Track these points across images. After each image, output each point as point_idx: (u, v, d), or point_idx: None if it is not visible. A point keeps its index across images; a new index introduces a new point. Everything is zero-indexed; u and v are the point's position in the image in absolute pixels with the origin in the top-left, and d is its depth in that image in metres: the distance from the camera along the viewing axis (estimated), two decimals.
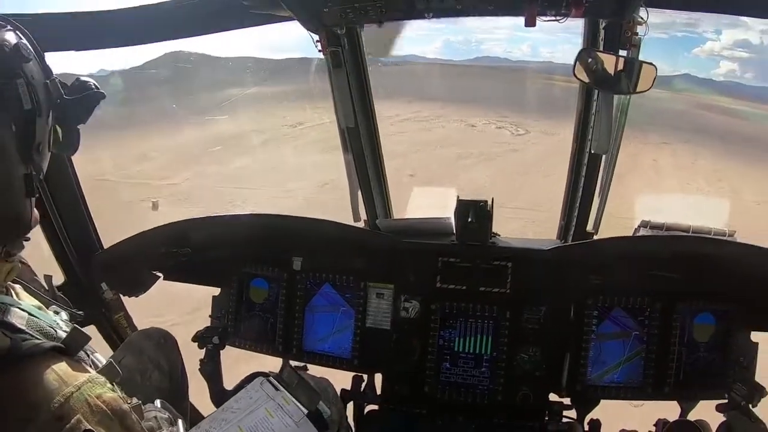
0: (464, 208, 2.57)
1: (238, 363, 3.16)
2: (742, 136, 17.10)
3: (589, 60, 2.15)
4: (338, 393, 2.77)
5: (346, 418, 2.78)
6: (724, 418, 2.37)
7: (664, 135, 16.47)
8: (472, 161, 13.99)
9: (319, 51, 2.51)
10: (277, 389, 1.95)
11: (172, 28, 2.43)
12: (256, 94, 16.24)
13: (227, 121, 15.41)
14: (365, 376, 2.86)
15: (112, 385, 1.32)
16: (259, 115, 16.39)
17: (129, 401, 1.38)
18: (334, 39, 2.46)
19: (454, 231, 2.68)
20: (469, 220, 2.57)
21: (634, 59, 2.15)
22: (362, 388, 2.85)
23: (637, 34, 2.15)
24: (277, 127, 16.17)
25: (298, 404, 1.92)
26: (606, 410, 2.69)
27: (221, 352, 2.89)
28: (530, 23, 2.01)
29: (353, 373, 2.87)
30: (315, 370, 2.84)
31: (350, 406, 2.85)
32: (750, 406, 2.22)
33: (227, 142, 14.03)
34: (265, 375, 2.06)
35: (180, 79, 16.48)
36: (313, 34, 2.46)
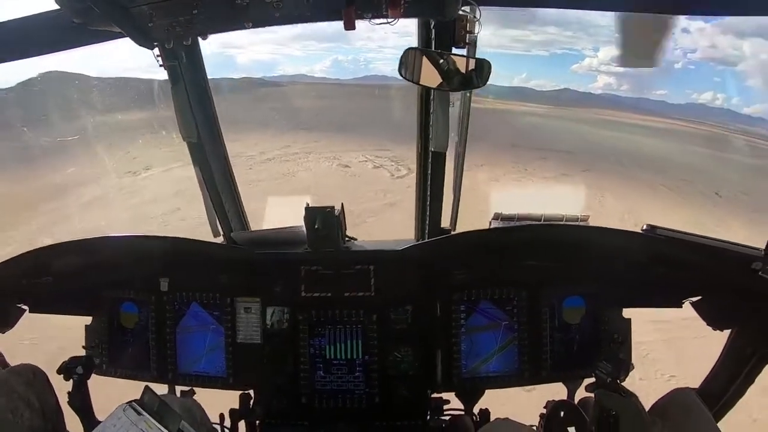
0: (312, 215, 2.91)
1: None
2: (632, 156, 18.75)
3: (418, 59, 2.46)
4: (225, 413, 3.07)
5: None
6: None
7: (561, 163, 17.48)
8: None
9: (160, 66, 2.75)
10: (139, 414, 2.16)
11: (8, 48, 2.54)
12: (117, 122, 15.27)
13: (64, 163, 14.23)
14: (252, 392, 3.12)
15: None
16: (107, 151, 15.29)
17: None
18: (171, 53, 2.72)
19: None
20: (316, 226, 2.91)
21: (465, 56, 2.48)
22: (251, 405, 3.11)
23: (471, 32, 2.49)
24: (119, 173, 14.90)
25: (161, 427, 2.16)
26: (498, 398, 3.11)
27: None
28: (349, 26, 2.27)
29: (240, 392, 3.13)
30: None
31: (242, 425, 3.13)
32: (618, 381, 2.48)
33: (38, 207, 12.35)
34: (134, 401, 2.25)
35: (38, 103, 15.48)
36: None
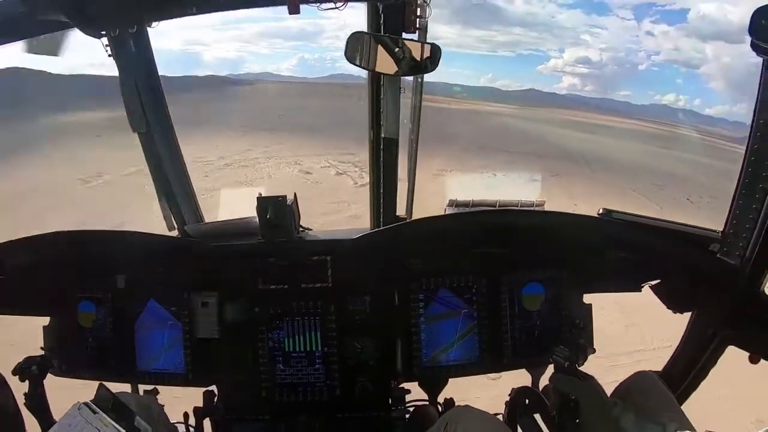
0: (263, 205, 2.94)
1: None
2: (600, 159, 19.00)
3: (367, 44, 2.52)
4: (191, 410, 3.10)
5: None
6: None
7: (531, 166, 17.60)
8: None
9: (109, 56, 2.79)
10: (94, 412, 2.19)
11: None
12: (76, 122, 14.82)
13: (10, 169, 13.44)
14: (215, 389, 3.16)
15: None
16: (59, 155, 14.53)
17: None
18: (119, 42, 2.76)
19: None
20: (268, 216, 2.93)
21: (414, 41, 2.56)
22: (215, 403, 3.14)
23: (421, 16, 2.59)
24: (69, 181, 14.12)
25: (116, 425, 2.19)
26: (462, 386, 3.18)
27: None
28: (293, 10, 2.36)
29: (204, 390, 3.16)
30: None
31: (207, 422, 3.16)
32: (576, 365, 2.58)
33: None
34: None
35: None
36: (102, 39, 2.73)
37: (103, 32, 2.63)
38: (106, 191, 13.58)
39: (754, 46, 2.31)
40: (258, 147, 18.51)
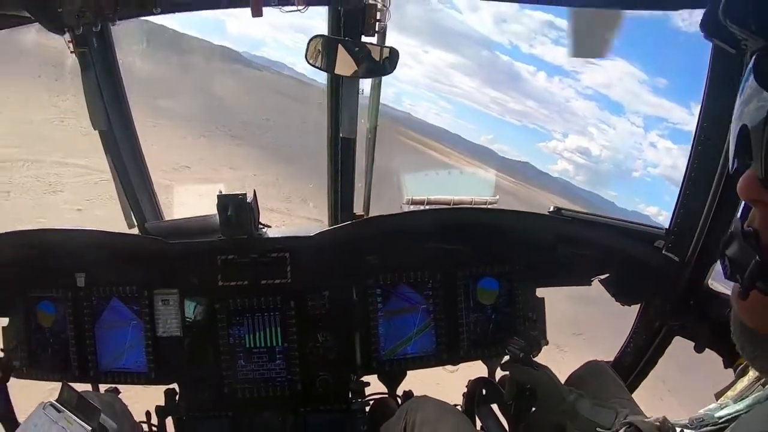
0: (224, 202, 3.06)
1: None
2: None
3: (326, 47, 2.66)
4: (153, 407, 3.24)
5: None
6: None
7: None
8: None
9: (72, 52, 2.88)
10: (59, 411, 2.30)
11: None
12: None
13: None
14: (177, 387, 3.28)
15: None
16: None
17: None
18: (82, 39, 2.85)
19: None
20: (229, 213, 3.06)
21: (373, 44, 2.71)
22: (177, 400, 3.27)
23: (381, 20, 2.73)
24: None
25: (81, 423, 2.31)
26: (422, 378, 3.39)
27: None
28: (256, 13, 2.46)
29: (165, 387, 3.28)
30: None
31: (170, 421, 3.30)
32: (531, 356, 2.68)
33: None
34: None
35: None
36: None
37: (66, 29, 2.70)
38: None
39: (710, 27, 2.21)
40: (194, 169, 13.59)
